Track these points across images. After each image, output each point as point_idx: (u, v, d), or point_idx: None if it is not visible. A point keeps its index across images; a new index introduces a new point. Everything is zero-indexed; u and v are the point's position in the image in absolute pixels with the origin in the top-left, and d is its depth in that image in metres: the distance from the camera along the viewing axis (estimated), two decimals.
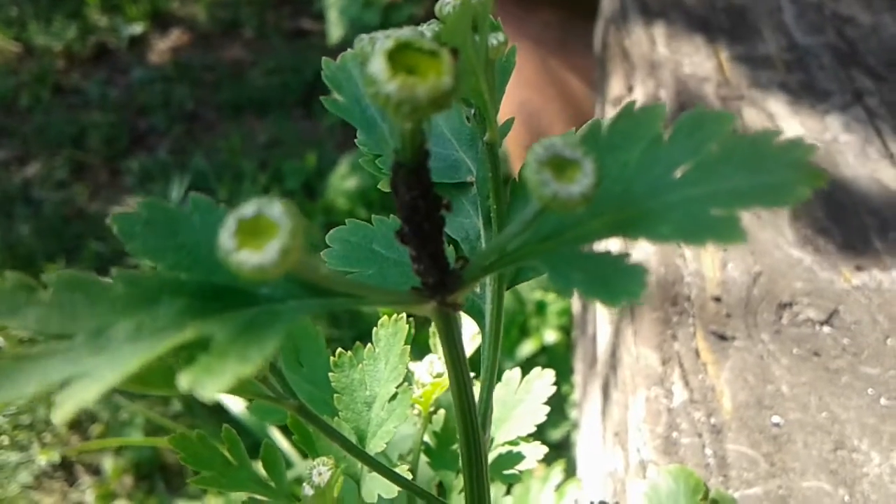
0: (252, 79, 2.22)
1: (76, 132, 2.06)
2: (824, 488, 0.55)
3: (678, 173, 0.20)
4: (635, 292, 0.19)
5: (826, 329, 0.65)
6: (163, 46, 2.36)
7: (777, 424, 0.59)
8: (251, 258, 0.18)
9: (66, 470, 1.45)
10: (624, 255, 0.20)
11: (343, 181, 1.76)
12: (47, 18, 2.40)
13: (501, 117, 0.29)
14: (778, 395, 0.61)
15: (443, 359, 0.33)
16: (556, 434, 1.41)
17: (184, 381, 0.17)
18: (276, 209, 0.18)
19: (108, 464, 1.44)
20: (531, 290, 1.52)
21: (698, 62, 0.93)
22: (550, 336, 1.47)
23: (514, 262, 0.23)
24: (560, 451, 1.32)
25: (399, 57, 0.20)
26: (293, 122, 2.08)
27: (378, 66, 0.19)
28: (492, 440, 0.45)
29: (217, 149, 2.01)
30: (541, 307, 1.51)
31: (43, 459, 1.44)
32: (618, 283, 0.20)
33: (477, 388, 0.36)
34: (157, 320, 0.20)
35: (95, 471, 1.44)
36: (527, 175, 0.20)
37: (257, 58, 2.30)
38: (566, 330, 1.48)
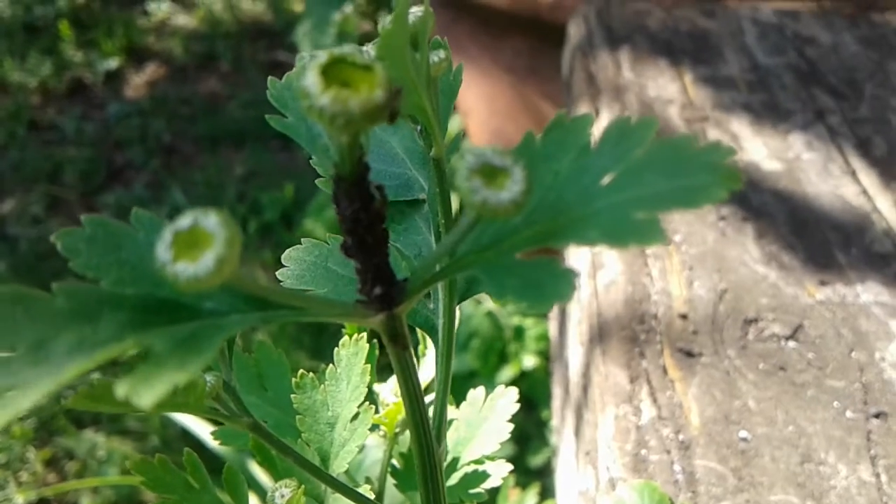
0: (229, 111, 2.22)
1: (52, 168, 2.05)
2: (792, 502, 0.56)
3: (606, 180, 0.21)
4: (564, 294, 0.20)
5: (791, 344, 0.66)
6: (139, 81, 2.37)
7: (744, 439, 0.59)
8: (187, 269, 0.18)
9: None
10: (555, 260, 0.21)
11: (321, 211, 1.76)
12: (22, 55, 2.41)
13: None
14: (745, 410, 0.61)
15: None
16: (536, 460, 1.41)
17: (120, 389, 0.18)
18: (211, 220, 0.19)
19: (85, 502, 1.42)
20: (509, 316, 1.52)
21: (663, 85, 0.95)
22: (529, 361, 1.48)
23: (454, 271, 0.24)
24: (541, 478, 1.32)
25: (333, 71, 0.21)
26: (271, 154, 2.09)
27: (311, 79, 0.20)
28: (457, 459, 0.46)
29: (194, 182, 2.01)
30: (519, 332, 1.52)
31: (20, 498, 1.42)
32: (549, 287, 0.20)
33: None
34: (99, 333, 0.20)
35: None
36: (458, 183, 0.20)
37: (234, 90, 2.31)
38: (545, 355, 1.49)
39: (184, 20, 2.63)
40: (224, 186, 1.99)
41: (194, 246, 0.19)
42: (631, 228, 0.19)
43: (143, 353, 0.19)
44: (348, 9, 2.00)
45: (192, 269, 0.18)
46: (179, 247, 0.19)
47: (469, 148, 0.20)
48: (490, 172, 0.20)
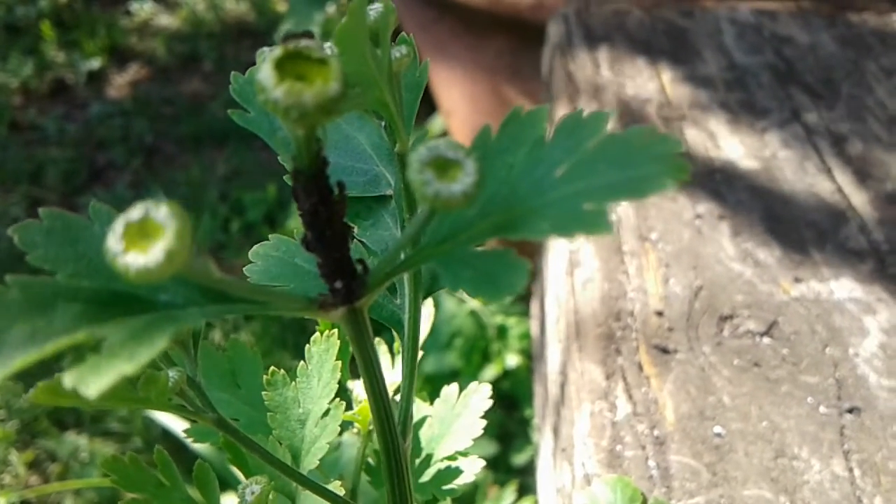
0: (212, 111, 2.22)
1: (33, 168, 2.04)
2: (766, 496, 0.56)
3: (558, 172, 0.21)
4: (517, 285, 0.20)
5: (766, 340, 0.67)
6: (121, 81, 2.36)
7: (719, 435, 0.60)
8: (137, 260, 0.18)
9: None
10: (510, 251, 0.21)
11: None
12: (3, 55, 2.39)
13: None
14: (719, 406, 0.62)
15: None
16: (519, 459, 1.41)
17: (68, 379, 0.18)
18: (162, 211, 0.19)
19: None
20: (492, 315, 1.52)
21: (641, 84, 0.95)
22: (512, 360, 1.48)
23: (414, 264, 0.24)
24: (524, 476, 1.32)
25: (289, 65, 0.21)
26: (253, 154, 2.09)
27: (266, 72, 0.20)
28: (431, 456, 0.46)
29: (176, 182, 2.00)
30: (502, 331, 1.52)
31: (2, 501, 1.41)
32: (502, 278, 0.20)
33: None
34: (53, 325, 0.20)
35: None
36: (410, 176, 0.20)
37: (217, 90, 2.30)
38: (528, 354, 1.49)
39: (167, 20, 2.62)
40: (207, 186, 1.98)
41: (145, 237, 0.19)
42: (579, 219, 0.19)
43: (95, 345, 0.19)
44: (331, 9, 2.00)
45: (142, 259, 0.18)
46: (130, 238, 0.19)
47: (423, 141, 0.21)
48: (442, 165, 0.20)
